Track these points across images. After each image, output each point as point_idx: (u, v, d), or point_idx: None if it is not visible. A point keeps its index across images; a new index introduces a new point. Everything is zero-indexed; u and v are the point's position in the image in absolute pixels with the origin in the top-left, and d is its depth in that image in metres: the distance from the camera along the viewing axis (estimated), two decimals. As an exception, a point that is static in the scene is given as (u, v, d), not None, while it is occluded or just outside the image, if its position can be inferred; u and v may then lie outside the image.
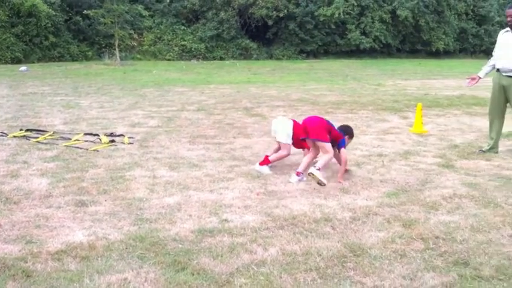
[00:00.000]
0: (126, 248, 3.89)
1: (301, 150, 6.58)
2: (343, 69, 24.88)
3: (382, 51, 35.51)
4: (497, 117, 7.34)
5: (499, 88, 7.20)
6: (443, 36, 37.00)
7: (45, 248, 3.87)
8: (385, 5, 34.44)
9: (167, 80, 17.92)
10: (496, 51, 7.32)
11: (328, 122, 6.03)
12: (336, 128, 6.11)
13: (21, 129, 8.34)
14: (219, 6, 31.51)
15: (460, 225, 4.48)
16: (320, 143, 5.81)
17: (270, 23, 31.83)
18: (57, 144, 7.37)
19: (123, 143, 7.59)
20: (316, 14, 32.50)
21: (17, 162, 6.40)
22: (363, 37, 33.86)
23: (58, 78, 18.17)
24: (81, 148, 7.17)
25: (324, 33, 33.64)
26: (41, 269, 3.54)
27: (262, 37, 33.05)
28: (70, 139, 7.75)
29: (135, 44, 29.60)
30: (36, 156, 6.72)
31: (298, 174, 5.81)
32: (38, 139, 7.66)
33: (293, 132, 6.28)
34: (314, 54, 33.98)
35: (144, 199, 5.07)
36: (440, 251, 3.94)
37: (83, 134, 8.17)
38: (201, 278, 3.45)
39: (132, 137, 7.98)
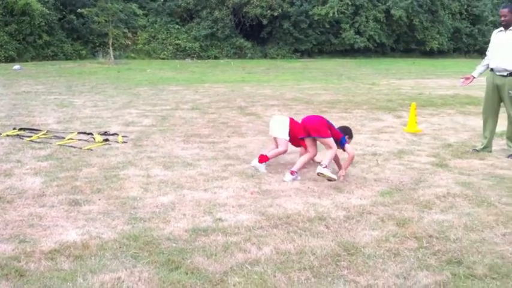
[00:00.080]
0: (120, 247, 3.88)
1: (297, 150, 6.57)
2: (337, 69, 24.91)
3: (377, 50, 35.57)
4: (491, 116, 7.37)
5: (493, 87, 7.23)
6: (437, 36, 37.10)
7: (39, 247, 3.86)
8: (379, 4, 34.50)
9: (161, 79, 17.89)
10: (490, 51, 7.34)
11: (327, 120, 6.03)
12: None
13: (14, 128, 8.30)
14: (214, 5, 31.49)
15: (454, 224, 4.49)
16: (322, 140, 5.83)
17: (265, 22, 31.83)
18: (50, 143, 7.34)
19: (117, 142, 7.57)
20: (310, 13, 32.53)
21: (10, 161, 6.38)
22: (357, 36, 33.91)
23: (52, 77, 18.10)
24: (74, 147, 7.15)
25: (319, 33, 33.67)
26: (34, 269, 3.53)
27: (257, 36, 33.05)
28: (64, 138, 7.72)
29: (129, 42, 29.53)
30: (29, 155, 6.69)
31: (292, 173, 5.81)
32: (31, 138, 7.63)
33: (290, 129, 6.30)
34: (308, 54, 34.00)
35: (138, 198, 5.06)
36: (434, 250, 3.95)
37: (76, 133, 8.15)
38: (195, 277, 3.44)
39: (126, 136, 7.96)
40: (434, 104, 12.62)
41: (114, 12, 25.96)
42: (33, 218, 4.48)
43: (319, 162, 5.76)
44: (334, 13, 32.37)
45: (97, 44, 28.24)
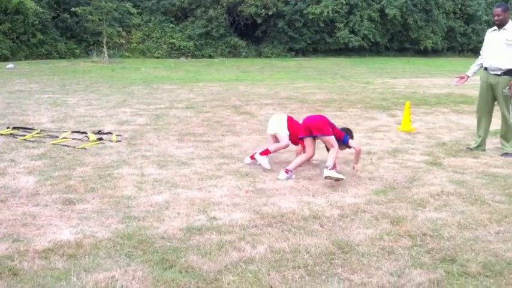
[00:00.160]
0: (114, 246, 3.88)
1: (293, 149, 6.57)
2: (332, 68, 24.93)
3: (371, 49, 35.63)
4: (484, 115, 7.39)
5: (487, 86, 7.25)
6: (432, 35, 37.20)
7: (32, 247, 3.84)
8: (374, 3, 34.56)
9: (156, 78, 17.86)
10: (484, 50, 7.36)
11: (329, 120, 6.04)
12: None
13: (8, 127, 8.27)
14: (208, 4, 31.45)
15: (448, 222, 4.51)
16: (324, 138, 5.82)
17: (259, 21, 31.83)
18: (44, 142, 7.31)
19: (111, 141, 7.55)
20: (305, 12, 32.55)
21: (3, 160, 6.35)
22: (352, 35, 33.96)
23: (45, 75, 18.04)
24: (68, 146, 7.13)
25: (313, 32, 33.69)
26: (28, 268, 3.52)
27: (251, 35, 33.04)
28: (57, 137, 7.70)
29: (124, 41, 29.46)
30: (23, 154, 6.67)
31: (287, 171, 5.81)
32: (25, 137, 7.60)
33: (288, 126, 6.34)
34: (303, 53, 34.02)
35: (132, 197, 5.05)
36: (428, 248, 3.96)
37: (70, 132, 8.12)
38: (189, 276, 3.44)
39: (120, 135, 7.94)
40: (428, 102, 12.65)
41: (108, 10, 25.90)
42: (26, 217, 4.46)
43: (323, 163, 5.76)
44: (328, 12, 32.40)
45: (91, 42, 28.16)
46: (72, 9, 25.97)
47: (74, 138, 7.63)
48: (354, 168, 5.92)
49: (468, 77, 7.48)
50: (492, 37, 7.21)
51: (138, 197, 5.05)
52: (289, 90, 14.99)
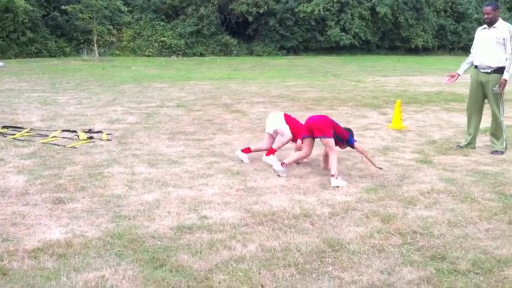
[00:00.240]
0: (104, 246, 3.86)
1: (287, 147, 6.61)
2: (323, 66, 24.95)
3: (362, 47, 35.65)
4: (475, 113, 7.43)
5: (477, 84, 7.28)
6: (422, 33, 37.27)
7: (22, 246, 3.83)
8: (365, 1, 34.57)
9: (146, 76, 17.80)
10: (474, 48, 7.39)
11: (332, 120, 6.04)
12: None
13: (-3, 126, 8.22)
14: (199, 2, 31.35)
15: (438, 220, 4.53)
16: (324, 140, 5.81)
17: (250, 19, 31.75)
18: (34, 141, 7.27)
19: (101, 139, 7.52)
20: (296, 10, 32.50)
21: (-8, 159, 6.31)
22: (343, 34, 33.95)
23: (35, 74, 17.92)
24: (58, 145, 7.09)
25: (304, 30, 33.66)
26: (18, 267, 3.50)
27: (243, 33, 32.97)
28: (47, 136, 7.66)
29: (114, 39, 29.29)
30: (13, 153, 6.63)
31: (283, 165, 5.85)
32: (14, 136, 7.56)
33: (285, 121, 6.38)
34: (294, 51, 33.99)
35: (123, 196, 5.03)
36: (418, 246, 3.98)
37: (60, 130, 8.07)
38: (180, 275, 3.43)
39: (110, 134, 7.91)
40: (418, 101, 12.69)
41: (99, 9, 25.72)
42: (16, 216, 4.44)
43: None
44: (319, 10, 32.37)
45: (81, 41, 27.97)
46: (63, 7, 25.76)
47: (64, 137, 7.59)
48: (377, 167, 6.00)
49: (459, 75, 7.51)
50: (482, 35, 7.24)
51: (128, 196, 5.04)
52: (281, 88, 14.98)
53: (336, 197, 5.13)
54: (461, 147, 7.40)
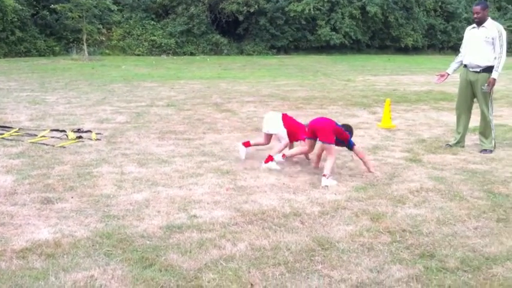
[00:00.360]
0: (93, 245, 3.84)
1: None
2: (313, 65, 24.99)
3: (352, 47, 35.76)
4: (464, 112, 7.47)
5: (466, 84, 7.32)
6: (412, 33, 37.44)
7: (10, 246, 3.80)
8: (355, 1, 34.67)
9: (136, 75, 17.74)
10: (463, 48, 7.42)
11: (336, 123, 6.05)
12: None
13: (-15, 126, 8.16)
14: (189, 1, 31.30)
15: (427, 218, 4.54)
16: (325, 145, 5.83)
17: (241, 18, 31.76)
18: (22, 141, 7.22)
19: (90, 139, 7.49)
20: (286, 9, 32.54)
21: (-20, 159, 6.26)
22: (333, 33, 34.03)
23: (24, 73, 17.82)
24: (47, 144, 7.05)
25: (295, 29, 33.71)
26: (6, 267, 3.48)
27: (233, 32, 32.97)
28: (36, 135, 7.61)
29: (104, 38, 29.18)
30: (1, 152, 6.58)
31: (283, 156, 5.91)
32: (3, 135, 7.50)
33: (284, 124, 6.39)
34: (285, 50, 34.03)
35: (112, 196, 5.01)
36: (407, 244, 3.99)
37: (49, 130, 8.03)
38: (169, 274, 3.42)
39: (99, 133, 7.87)
40: (408, 100, 12.74)
41: (88, 7, 25.61)
42: (4, 216, 4.41)
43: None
44: (310, 10, 32.43)
45: (71, 40, 27.83)
46: (52, 6, 25.63)
47: (52, 137, 7.55)
48: (371, 171, 5.98)
49: (448, 74, 7.55)
50: (471, 35, 7.28)
51: (117, 196, 5.01)
52: (271, 87, 14.99)
53: (326, 196, 5.14)
54: (450, 146, 7.44)
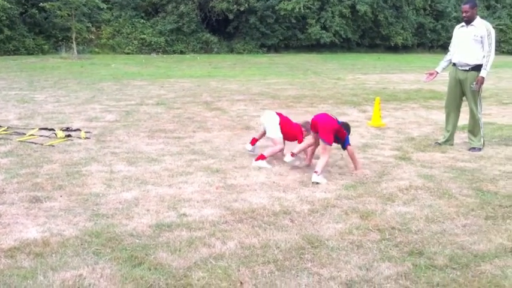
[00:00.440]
0: (82, 244, 3.82)
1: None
2: (303, 64, 25.02)
3: (342, 45, 35.83)
4: (453, 110, 7.50)
5: (456, 82, 7.36)
6: (402, 31, 37.57)
7: (-2, 245, 3.77)
8: (345, -1, 34.77)
9: (126, 74, 17.67)
10: (452, 46, 7.46)
11: (337, 121, 6.06)
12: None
13: (-27, 124, 8.09)
14: (179, -1, 31.23)
15: (416, 216, 4.56)
16: (323, 143, 5.85)
17: (231, 16, 31.71)
18: (11, 140, 7.17)
19: (79, 137, 7.45)
20: (276, 8, 32.53)
21: (-32, 158, 6.21)
22: (323, 32, 34.07)
23: (13, 72, 17.68)
24: (36, 143, 7.00)
25: (285, 28, 33.71)
26: (-7, 267, 3.45)
27: (223, 31, 32.92)
28: (24, 134, 7.56)
29: (93, 37, 29.03)
30: (-12, 151, 6.53)
31: (292, 155, 5.94)
32: (-9, 134, 7.45)
33: (280, 127, 6.42)
34: (275, 49, 34.03)
35: (101, 194, 4.99)
36: (396, 242, 4.01)
37: (38, 128, 7.98)
38: (158, 273, 3.41)
39: (89, 132, 7.83)
40: (398, 98, 12.79)
41: (77, 6, 25.44)
42: (-8, 215, 4.38)
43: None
44: (300, 8, 32.44)
45: (60, 38, 27.66)
46: (41, 4, 25.42)
47: (41, 135, 7.50)
48: (363, 172, 5.95)
49: (437, 73, 7.58)
50: (460, 33, 7.31)
51: (106, 194, 4.99)
52: (261, 86, 14.99)
53: (316, 194, 5.14)
54: (439, 144, 7.47)
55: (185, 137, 7.68)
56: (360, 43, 37.21)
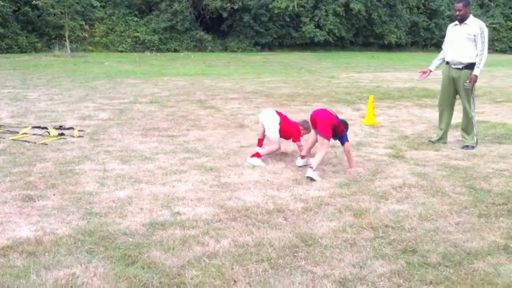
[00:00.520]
0: (75, 243, 3.81)
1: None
2: (297, 62, 25.03)
3: (336, 44, 35.89)
4: (446, 108, 7.52)
5: (449, 80, 7.37)
6: (396, 30, 37.68)
7: (-10, 244, 3.75)
8: (339, -2, 34.81)
9: (119, 72, 17.62)
10: (446, 45, 7.47)
11: (336, 117, 6.09)
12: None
13: (-35, 123, 8.05)
14: (173, -3, 31.17)
15: (409, 214, 4.57)
16: (321, 138, 5.88)
17: (225, 15, 31.70)
18: (4, 138, 7.14)
19: (72, 136, 7.42)
20: (270, 6, 32.54)
21: (-40, 156, 6.18)
22: (317, 30, 34.12)
23: (6, 70, 17.60)
24: (29, 142, 6.97)
25: (279, 26, 33.74)
26: (-14, 266, 3.44)
27: (217, 29, 32.90)
28: (17, 132, 7.53)
29: (86, 35, 28.93)
30: (-19, 150, 6.50)
31: (302, 157, 5.97)
32: (-17, 133, 7.41)
33: (280, 126, 6.41)
34: (269, 47, 34.05)
35: (94, 193, 4.97)
36: (389, 240, 4.01)
37: (31, 127, 7.95)
38: (152, 272, 3.41)
39: (82, 130, 7.81)
40: (391, 96, 12.81)
41: (70, 3, 25.36)
42: (-16, 214, 4.35)
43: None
44: (294, 7, 32.47)
45: (53, 36, 27.57)
46: (34, 2, 25.33)
47: (34, 134, 7.47)
48: (358, 171, 5.93)
49: (431, 71, 7.60)
50: (453, 32, 7.33)
51: (100, 193, 4.98)
52: (255, 84, 14.98)
53: (309, 192, 5.14)
54: (432, 142, 7.49)
55: (179, 136, 7.67)
56: (354, 41, 37.28)
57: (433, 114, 9.28)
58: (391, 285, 3.34)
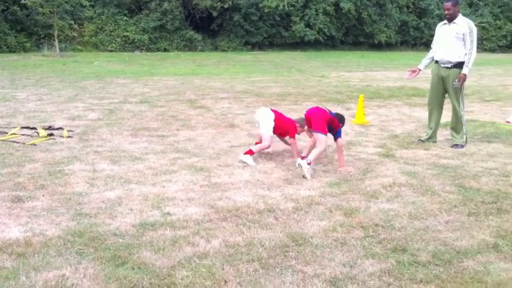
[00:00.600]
0: (64, 244, 3.79)
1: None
2: (288, 61, 25.04)
3: (326, 43, 35.96)
4: (436, 107, 7.55)
5: (438, 79, 7.40)
6: (385, 29, 37.80)
7: (-21, 246, 3.72)
8: (329, -3, 34.87)
9: (109, 72, 17.54)
10: (435, 44, 7.50)
11: (330, 112, 6.13)
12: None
13: (-47, 123, 7.98)
14: (163, -4, 31.07)
15: (399, 213, 4.59)
16: (318, 135, 5.91)
17: (215, 14, 31.65)
18: (-8, 139, 7.09)
19: (62, 136, 7.38)
20: (260, 5, 32.53)
21: None
22: (307, 29, 34.16)
23: (-6, 70, 17.48)
24: (17, 142, 6.93)
25: (269, 25, 33.74)
26: (-26, 268, 3.41)
27: (207, 28, 32.84)
28: (6, 133, 7.47)
29: (76, 34, 28.77)
30: (-31, 151, 6.45)
31: (303, 158, 5.94)
32: (-29, 133, 7.35)
33: (275, 124, 6.43)
34: (259, 46, 34.04)
35: (84, 194, 4.94)
36: (380, 239, 4.02)
37: (19, 127, 7.89)
38: (142, 272, 3.39)
39: (71, 130, 7.77)
40: (381, 96, 12.85)
41: (59, 3, 25.22)
42: (-28, 216, 4.32)
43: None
44: (284, 6, 32.48)
45: (42, 36, 27.39)
46: (22, 1, 25.15)
47: (23, 134, 7.42)
48: (348, 170, 5.92)
49: (420, 70, 7.62)
50: (442, 31, 7.36)
51: (89, 194, 4.95)
52: (245, 84, 14.97)
53: (300, 192, 5.15)
54: (422, 141, 7.52)
55: (169, 135, 7.65)
56: (344, 41, 37.36)
57: (423, 113, 9.33)
58: (382, 284, 3.35)
